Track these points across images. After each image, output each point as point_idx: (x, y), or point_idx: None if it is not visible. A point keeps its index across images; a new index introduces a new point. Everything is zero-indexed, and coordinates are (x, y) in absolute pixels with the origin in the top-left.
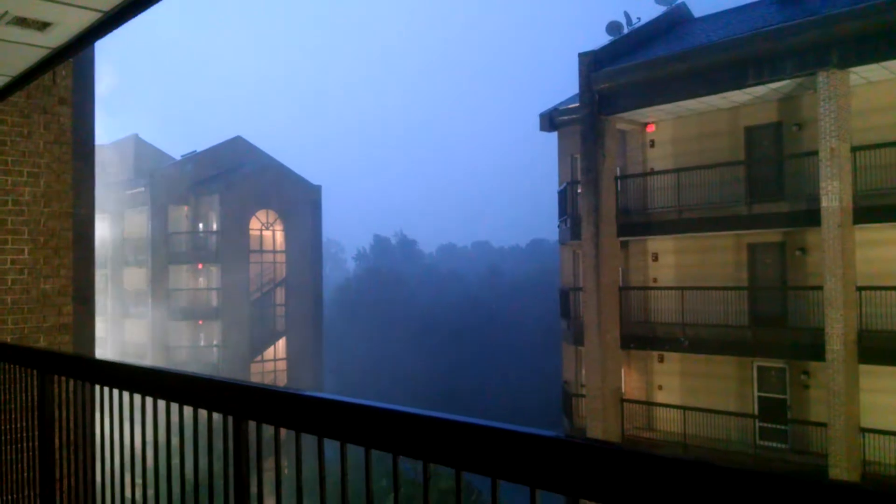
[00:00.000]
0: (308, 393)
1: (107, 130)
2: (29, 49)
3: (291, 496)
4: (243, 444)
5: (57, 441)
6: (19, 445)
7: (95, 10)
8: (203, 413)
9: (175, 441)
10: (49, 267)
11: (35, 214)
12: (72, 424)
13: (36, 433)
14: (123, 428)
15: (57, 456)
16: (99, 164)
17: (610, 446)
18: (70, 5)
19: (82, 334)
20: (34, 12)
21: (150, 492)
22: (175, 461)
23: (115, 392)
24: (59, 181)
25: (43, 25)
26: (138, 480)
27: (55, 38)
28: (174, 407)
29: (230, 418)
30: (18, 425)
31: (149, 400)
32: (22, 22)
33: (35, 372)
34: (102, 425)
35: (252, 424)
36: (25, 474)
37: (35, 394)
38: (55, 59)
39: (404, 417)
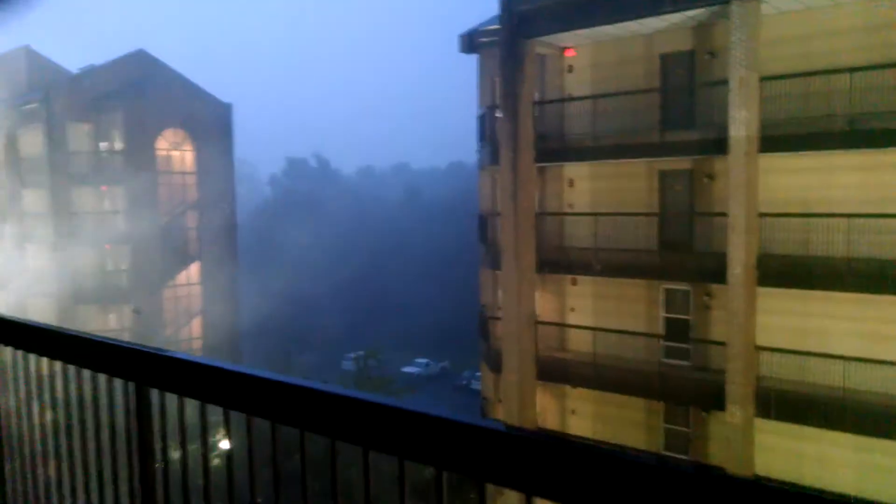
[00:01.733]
0: (208, 361)
1: None
2: None
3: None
4: (145, 412)
5: None
6: None
7: None
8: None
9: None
10: None
11: None
12: None
13: None
14: (18, 390)
15: None
16: None
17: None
18: None
19: None
20: None
21: (51, 452)
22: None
23: (8, 350)
24: None
25: None
26: (39, 446)
27: None
28: (71, 370)
29: (131, 384)
30: None
31: (45, 361)
32: None
33: None
34: None
35: (154, 392)
36: None
37: None
38: None
39: (282, 387)
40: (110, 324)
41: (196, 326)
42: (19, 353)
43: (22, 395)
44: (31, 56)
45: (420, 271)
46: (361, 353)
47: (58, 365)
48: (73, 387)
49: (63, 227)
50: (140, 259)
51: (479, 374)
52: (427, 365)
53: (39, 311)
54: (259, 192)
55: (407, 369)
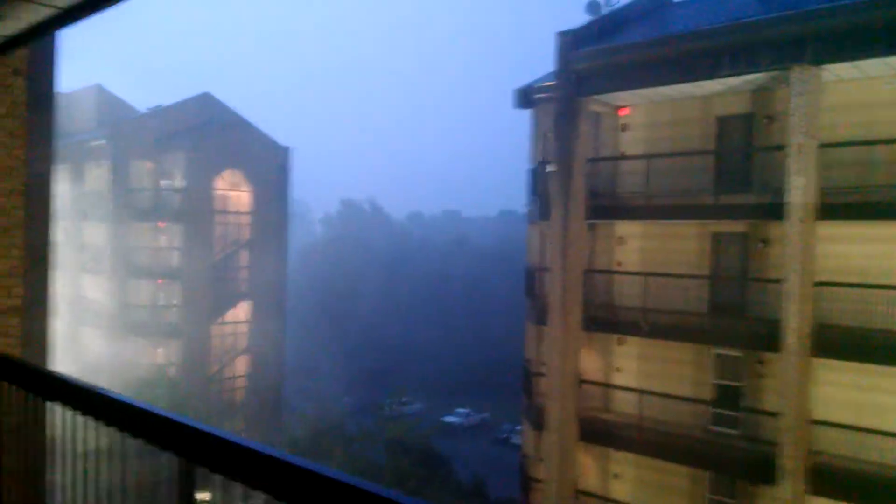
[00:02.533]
0: (258, 447)
1: (68, 76)
2: None
3: None
4: (186, 490)
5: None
6: None
7: (50, 6)
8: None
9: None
10: None
11: None
12: (16, 434)
13: None
14: (66, 447)
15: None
16: (59, 113)
17: None
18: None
19: (34, 317)
20: None
21: None
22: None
23: (59, 409)
24: (11, 157)
25: None
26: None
27: (8, 27)
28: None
29: (181, 459)
30: None
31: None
32: None
33: None
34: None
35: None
36: None
37: None
38: (6, 46)
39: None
40: (158, 358)
41: (241, 364)
42: (68, 412)
43: (70, 458)
44: (102, 94)
45: (464, 319)
46: (405, 398)
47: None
48: (118, 452)
49: (119, 260)
50: (191, 295)
51: (519, 427)
52: (467, 415)
53: (90, 341)
54: (311, 231)
55: (447, 419)
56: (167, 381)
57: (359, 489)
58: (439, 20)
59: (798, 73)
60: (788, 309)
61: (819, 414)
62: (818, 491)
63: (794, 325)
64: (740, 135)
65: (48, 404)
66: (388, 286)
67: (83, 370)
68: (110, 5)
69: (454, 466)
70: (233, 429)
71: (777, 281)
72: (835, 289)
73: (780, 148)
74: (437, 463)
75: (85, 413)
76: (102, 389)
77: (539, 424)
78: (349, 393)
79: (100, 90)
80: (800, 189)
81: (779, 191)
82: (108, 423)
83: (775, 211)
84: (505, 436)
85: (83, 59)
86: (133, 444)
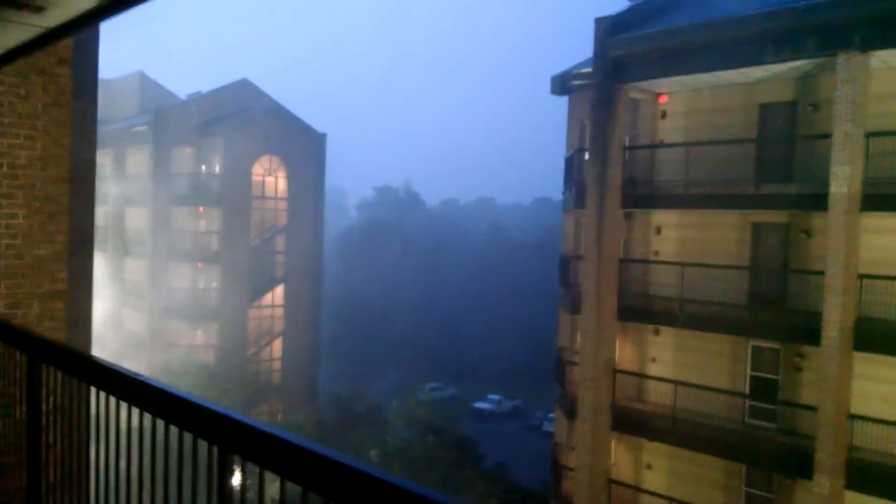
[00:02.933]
0: (291, 438)
1: (110, 62)
2: (23, 28)
3: None
4: (228, 477)
5: (44, 434)
6: (5, 421)
7: None
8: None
9: (160, 461)
10: (44, 233)
11: (30, 178)
12: (59, 416)
13: (24, 417)
14: (109, 432)
15: (44, 442)
16: (102, 99)
17: None
18: None
19: (78, 300)
20: None
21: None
22: (160, 475)
23: (102, 394)
24: (57, 145)
25: (38, 9)
26: (123, 486)
27: (51, 19)
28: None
29: (215, 448)
30: (8, 401)
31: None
32: (15, 4)
33: (24, 356)
34: (91, 422)
35: (236, 458)
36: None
37: (24, 378)
38: (50, 37)
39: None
40: (198, 340)
41: (277, 347)
42: (112, 399)
43: (112, 443)
44: (144, 80)
45: (498, 306)
46: (438, 384)
47: (147, 417)
48: (159, 440)
49: (160, 244)
50: (229, 279)
51: (551, 415)
52: (499, 402)
53: (131, 322)
54: (347, 217)
55: (478, 405)
56: (198, 366)
57: (389, 484)
58: (479, 6)
59: (845, 60)
60: (830, 301)
61: (858, 409)
62: (856, 486)
63: (836, 318)
64: (783, 123)
65: (90, 388)
66: (423, 272)
67: (125, 349)
68: None
69: (482, 451)
70: (269, 410)
71: (819, 273)
72: (878, 282)
73: (825, 137)
74: (465, 446)
75: (124, 399)
76: (141, 376)
77: (572, 413)
78: (382, 377)
79: (142, 77)
80: (844, 179)
81: (822, 181)
82: (146, 410)
83: (818, 201)
84: (537, 423)
85: (126, 46)
86: (172, 430)
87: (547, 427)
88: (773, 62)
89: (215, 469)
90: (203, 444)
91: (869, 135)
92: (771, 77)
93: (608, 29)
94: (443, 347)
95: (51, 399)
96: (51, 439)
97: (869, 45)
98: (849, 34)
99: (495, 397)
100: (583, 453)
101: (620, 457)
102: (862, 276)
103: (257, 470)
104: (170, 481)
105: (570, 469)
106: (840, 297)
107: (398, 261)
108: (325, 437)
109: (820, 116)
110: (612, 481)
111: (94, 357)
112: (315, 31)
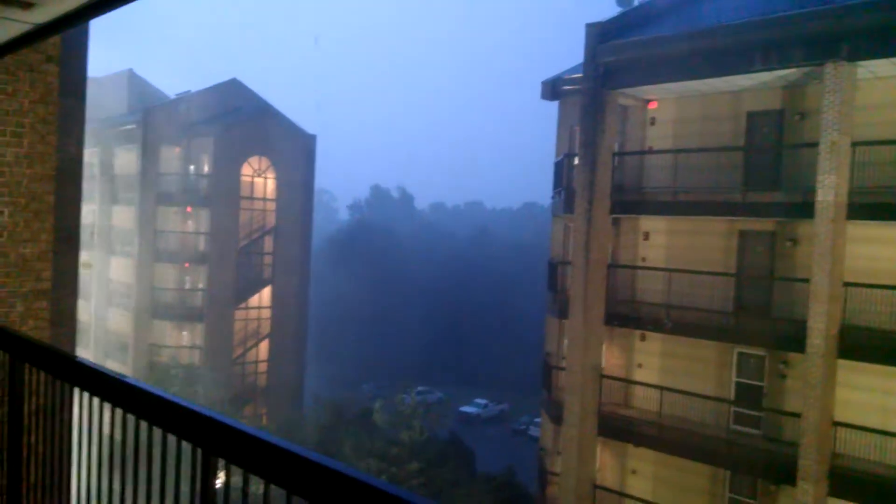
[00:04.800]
0: (276, 441)
1: (100, 61)
2: (11, 24)
3: None
4: (211, 480)
5: (26, 435)
6: None
7: None
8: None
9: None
10: (29, 231)
11: (17, 176)
12: (42, 417)
13: (6, 418)
14: (92, 432)
15: (25, 443)
16: (90, 97)
17: None
18: None
19: (63, 299)
20: None
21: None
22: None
23: (86, 395)
24: (43, 142)
25: (27, 5)
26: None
27: (40, 16)
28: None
29: (199, 451)
30: None
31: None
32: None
33: (7, 356)
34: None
35: (220, 462)
36: None
37: (6, 378)
38: (38, 34)
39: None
40: (183, 340)
41: (263, 349)
42: (96, 400)
43: (94, 441)
44: (134, 79)
45: (486, 310)
46: (425, 387)
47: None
48: (143, 441)
49: (147, 243)
50: (216, 279)
51: (538, 420)
52: (485, 406)
53: (117, 322)
54: (336, 219)
55: (465, 409)
56: (182, 366)
57: (373, 487)
58: (468, 10)
59: (832, 70)
60: (815, 309)
61: (842, 416)
62: (839, 493)
63: (821, 325)
64: (770, 131)
65: (74, 389)
66: (410, 275)
67: (108, 350)
68: None
69: (467, 455)
70: (254, 413)
71: (804, 281)
72: (863, 290)
73: (812, 145)
74: (454, 451)
75: (108, 400)
76: (126, 378)
77: (558, 418)
78: (369, 379)
79: (131, 75)
80: (831, 188)
81: (809, 189)
82: (131, 411)
83: (805, 209)
84: (523, 427)
85: (116, 44)
86: (156, 432)
87: (533, 431)
88: (762, 70)
89: (199, 471)
90: (187, 447)
91: (855, 144)
92: (759, 86)
93: (599, 35)
94: (431, 351)
95: (34, 399)
96: (33, 440)
97: (856, 55)
98: (836, 44)
99: (482, 401)
100: (568, 458)
101: (606, 462)
102: (847, 285)
103: (241, 473)
104: (153, 483)
105: (556, 474)
106: (825, 306)
107: (386, 263)
108: (308, 438)
109: (807, 125)
110: (597, 486)
111: (79, 358)
112: (306, 34)
